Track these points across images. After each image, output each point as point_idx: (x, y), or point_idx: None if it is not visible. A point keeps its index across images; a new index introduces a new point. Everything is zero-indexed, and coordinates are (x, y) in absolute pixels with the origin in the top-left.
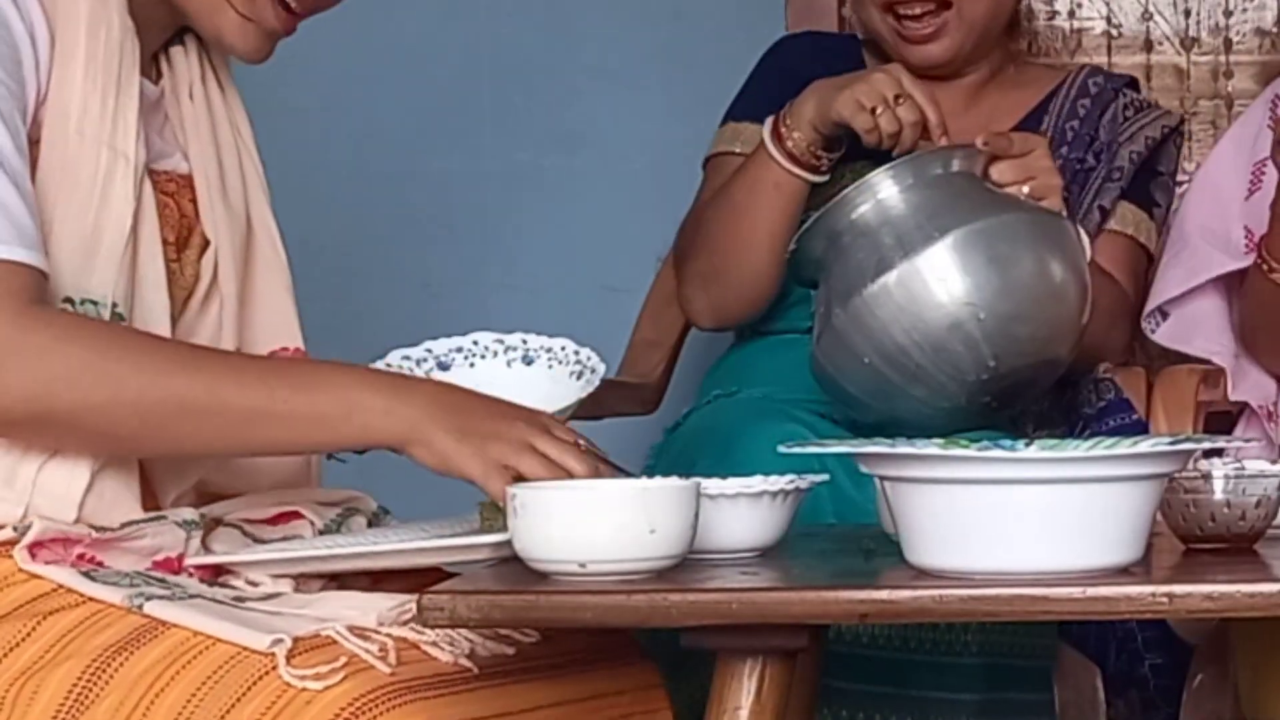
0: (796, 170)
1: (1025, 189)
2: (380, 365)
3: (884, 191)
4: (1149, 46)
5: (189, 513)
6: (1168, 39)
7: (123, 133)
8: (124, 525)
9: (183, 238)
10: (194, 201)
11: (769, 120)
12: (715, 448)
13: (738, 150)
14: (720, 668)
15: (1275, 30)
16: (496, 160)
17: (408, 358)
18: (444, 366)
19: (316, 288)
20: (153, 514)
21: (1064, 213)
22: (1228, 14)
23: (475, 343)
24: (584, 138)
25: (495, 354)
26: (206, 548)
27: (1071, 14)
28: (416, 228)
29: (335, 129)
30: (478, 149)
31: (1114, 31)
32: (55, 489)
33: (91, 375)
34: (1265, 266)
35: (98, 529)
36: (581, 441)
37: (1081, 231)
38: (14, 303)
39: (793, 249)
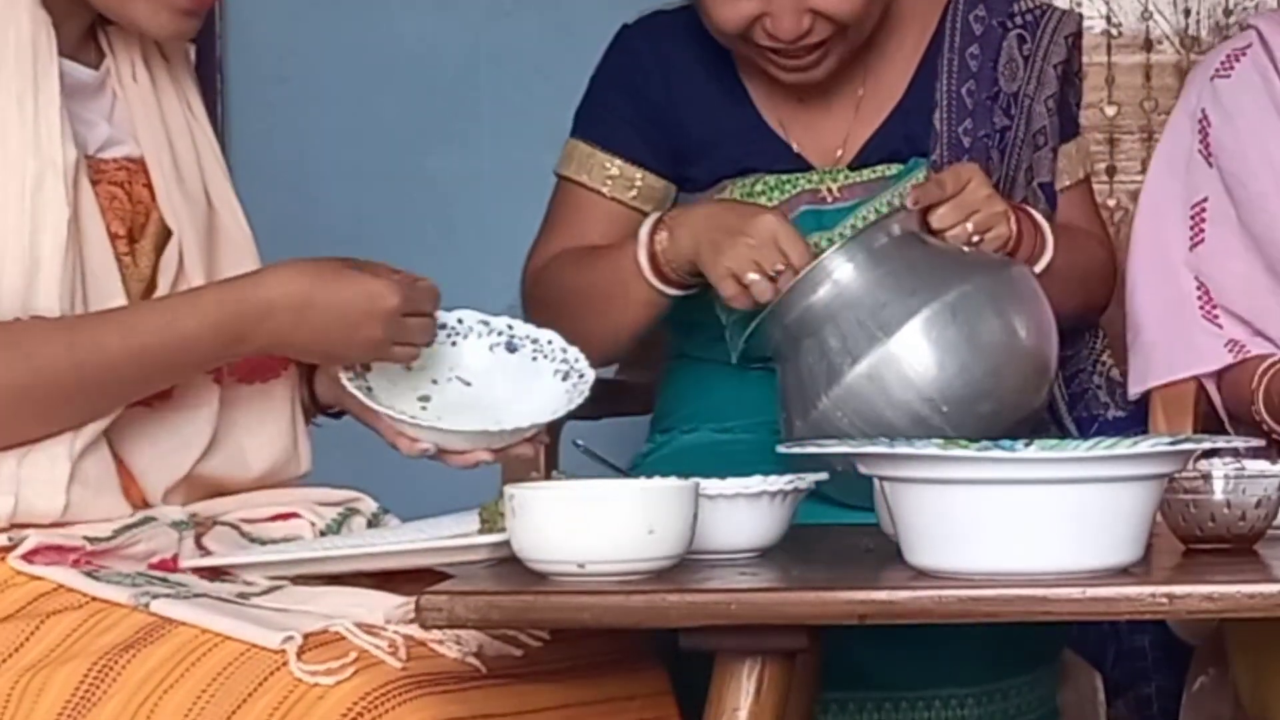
0: (667, 289)
1: (970, 225)
2: None
3: (838, 273)
4: (1149, 46)
5: (178, 512)
6: (1168, 38)
7: (46, 136)
8: (117, 533)
9: (137, 226)
10: (148, 186)
11: (645, 228)
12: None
13: (585, 181)
14: (719, 669)
15: None
16: (496, 160)
17: None
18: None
19: None
20: (142, 515)
21: (1013, 234)
22: (1228, 13)
23: (460, 320)
24: None
25: (479, 335)
26: (202, 547)
27: None
28: (416, 228)
29: (335, 129)
30: (478, 149)
31: (1114, 31)
32: (39, 477)
33: None
34: (1259, 419)
35: (91, 540)
36: None
37: (1045, 242)
38: None
39: (742, 346)
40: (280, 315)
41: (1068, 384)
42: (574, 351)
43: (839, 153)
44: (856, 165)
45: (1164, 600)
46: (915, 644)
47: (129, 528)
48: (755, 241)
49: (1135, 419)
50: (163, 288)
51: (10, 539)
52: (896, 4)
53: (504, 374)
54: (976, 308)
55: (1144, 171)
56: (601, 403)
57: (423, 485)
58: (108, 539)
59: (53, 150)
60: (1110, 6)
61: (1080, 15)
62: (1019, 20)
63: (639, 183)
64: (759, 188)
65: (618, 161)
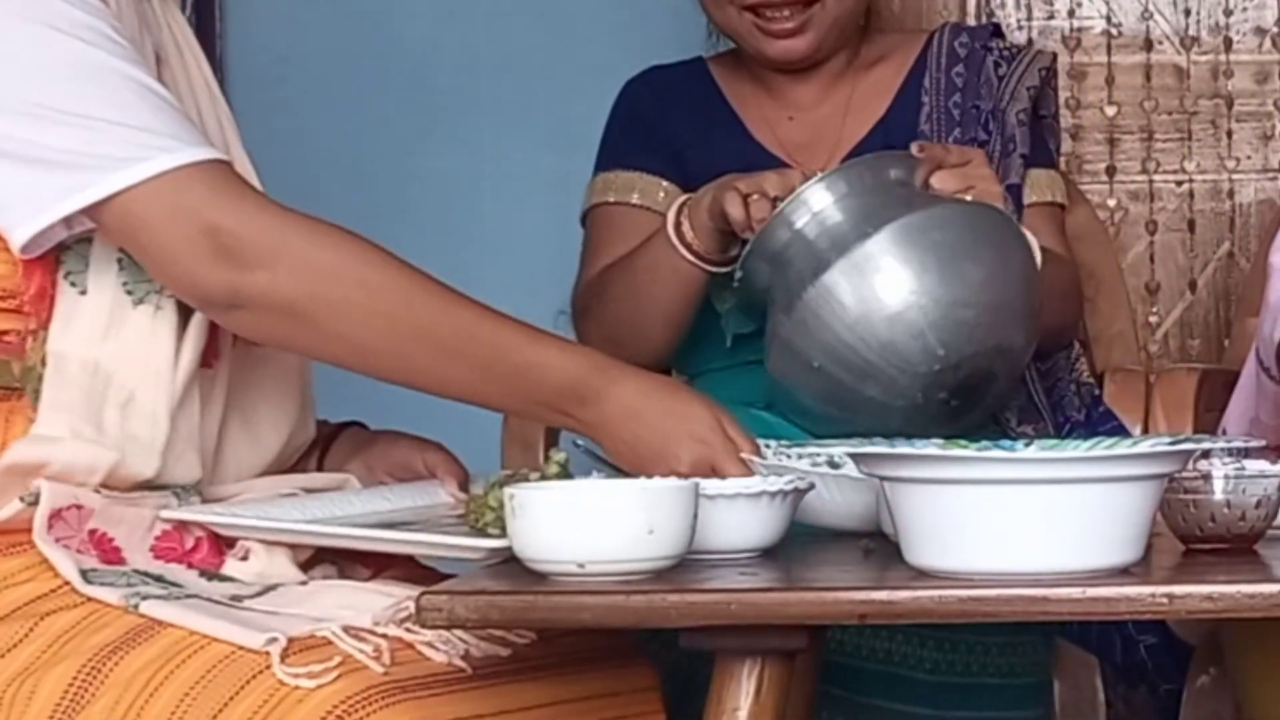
0: (691, 259)
1: (968, 198)
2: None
3: (818, 203)
4: (1149, 46)
5: (186, 477)
6: (1168, 38)
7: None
8: (132, 489)
9: None
10: None
11: (674, 206)
12: None
13: (612, 200)
14: (719, 668)
15: (1275, 30)
16: (496, 160)
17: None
18: None
19: None
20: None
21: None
22: (1228, 13)
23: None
24: (583, 138)
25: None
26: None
27: (1071, 13)
28: (416, 228)
29: (335, 129)
30: (477, 149)
31: (1114, 31)
32: (141, 434)
33: (353, 278)
34: None
35: (108, 492)
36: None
37: (1029, 235)
38: (256, 195)
39: (738, 278)
40: (624, 390)
41: (1048, 394)
42: None
43: (825, 163)
44: None
45: (1164, 600)
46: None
47: (141, 486)
48: (765, 175)
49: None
50: None
51: (23, 499)
52: (883, 45)
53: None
54: (967, 222)
55: (1144, 171)
56: None
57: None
58: (123, 491)
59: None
60: (1110, 6)
61: (1054, 55)
62: (996, 52)
63: (664, 192)
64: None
65: (644, 176)
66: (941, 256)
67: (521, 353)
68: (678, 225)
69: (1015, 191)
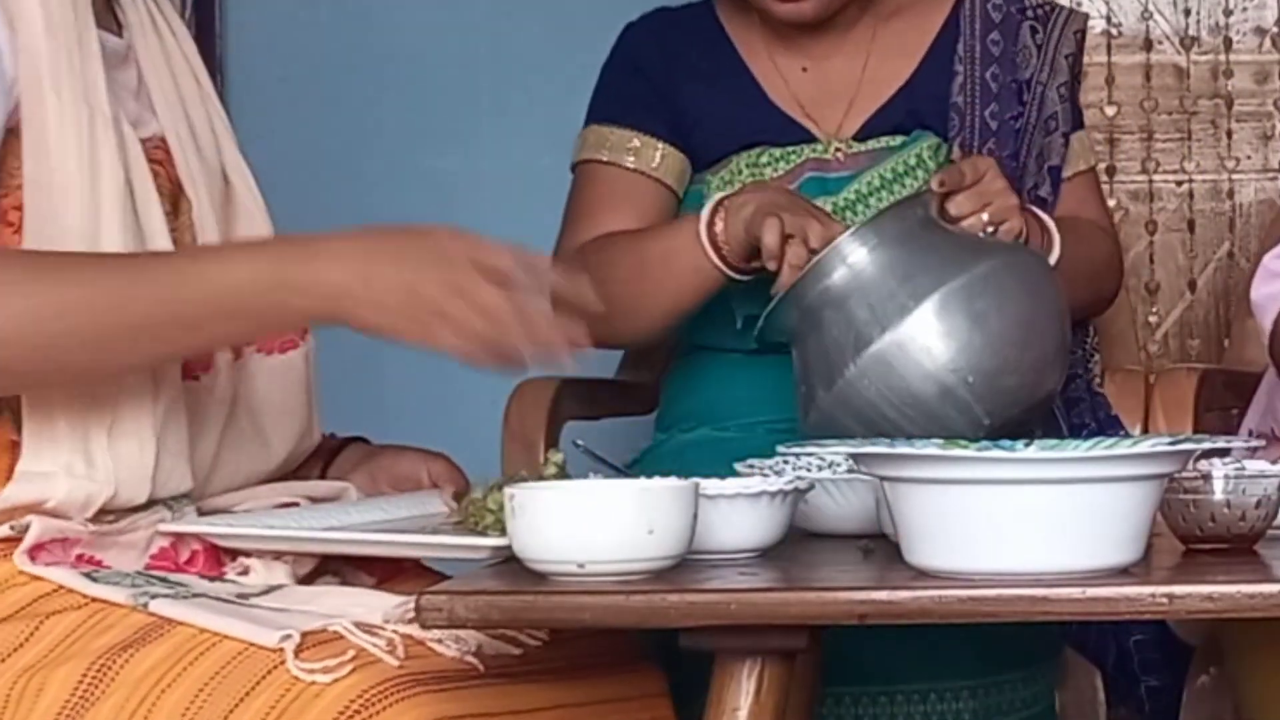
0: (717, 262)
1: (985, 216)
2: None
3: (853, 256)
4: (1149, 45)
5: (176, 489)
6: (1167, 38)
7: (92, 87)
8: (120, 518)
9: (175, 205)
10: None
11: (710, 203)
12: None
13: (605, 159)
14: (719, 669)
15: (1275, 30)
16: (496, 160)
17: None
18: None
19: None
20: (144, 503)
21: (1024, 229)
22: (1228, 13)
23: None
24: None
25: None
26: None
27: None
28: None
29: (335, 129)
30: (478, 149)
31: (1114, 30)
32: (130, 462)
33: (30, 318)
34: None
35: (95, 523)
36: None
37: (1052, 239)
38: None
39: (760, 326)
40: (337, 250)
41: (1062, 393)
42: None
43: (840, 125)
44: (861, 137)
45: (1164, 600)
46: (913, 638)
47: (132, 511)
48: (809, 224)
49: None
50: None
51: (13, 528)
52: None
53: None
54: (1003, 282)
55: (1144, 171)
56: (601, 403)
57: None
58: (111, 521)
59: (99, 101)
60: (1110, 6)
61: (1086, 15)
62: (1031, 13)
63: (660, 155)
64: (764, 159)
65: (638, 135)
66: (984, 328)
67: (212, 281)
68: (710, 224)
69: (1055, 174)
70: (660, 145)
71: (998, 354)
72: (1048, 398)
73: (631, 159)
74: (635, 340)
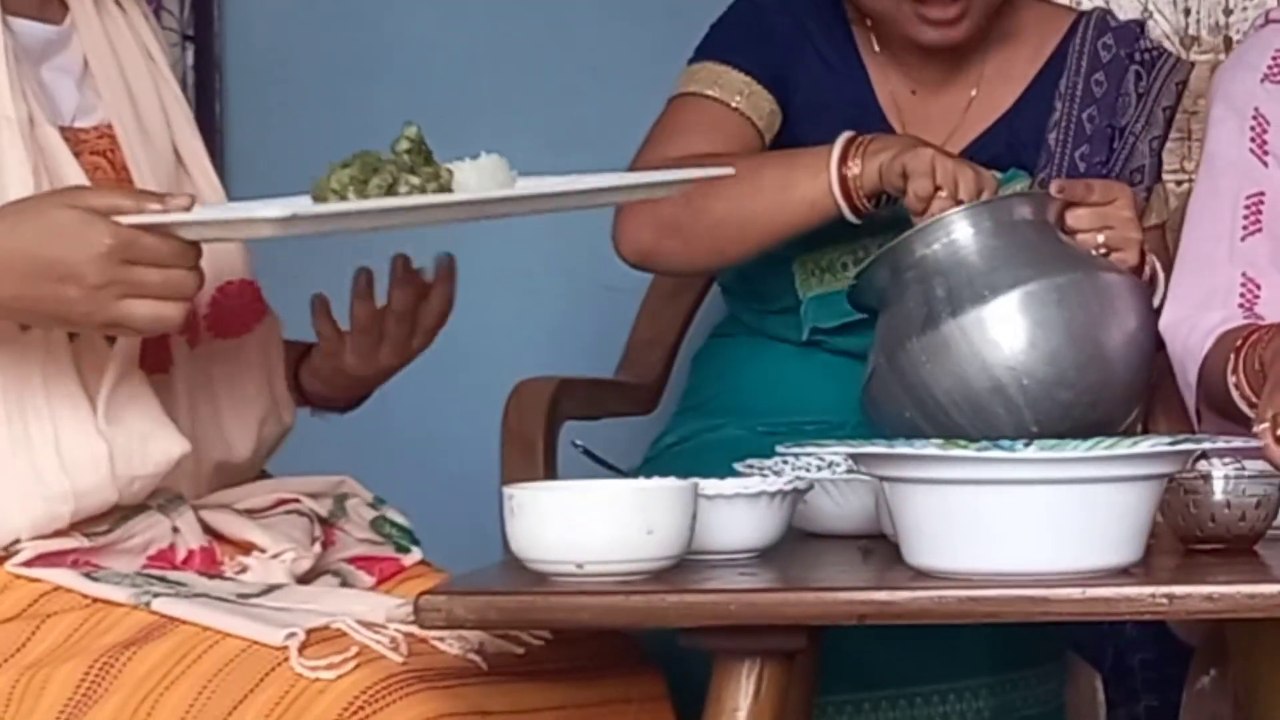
0: (838, 198)
1: (1100, 238)
2: None
3: (958, 232)
4: None
5: (166, 495)
6: (1167, 38)
7: None
8: (113, 526)
9: None
10: None
11: (843, 138)
12: None
13: (712, 94)
14: (718, 669)
15: None
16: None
17: None
18: None
19: (314, 286)
20: (136, 507)
21: (1139, 267)
22: (1228, 13)
23: None
24: (583, 138)
25: None
26: (206, 526)
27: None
28: (415, 228)
29: (335, 128)
30: (478, 149)
31: None
32: (83, 470)
33: None
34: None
35: (90, 536)
36: None
37: (1156, 285)
38: None
39: (852, 285)
40: None
41: None
42: None
43: (943, 146)
44: None
45: (1164, 600)
46: (924, 639)
47: (125, 519)
48: (964, 172)
49: None
50: None
51: (5, 549)
52: (1017, 19)
53: None
54: (1084, 297)
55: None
56: (601, 403)
57: (418, 480)
58: (105, 532)
59: (2, 105)
60: (1110, 6)
61: (1191, 64)
62: (1139, 57)
63: (768, 109)
64: None
65: (753, 83)
66: (1051, 335)
67: None
68: (843, 160)
69: None
70: (770, 100)
71: (1057, 366)
72: (1108, 424)
73: (739, 100)
74: (719, 263)
